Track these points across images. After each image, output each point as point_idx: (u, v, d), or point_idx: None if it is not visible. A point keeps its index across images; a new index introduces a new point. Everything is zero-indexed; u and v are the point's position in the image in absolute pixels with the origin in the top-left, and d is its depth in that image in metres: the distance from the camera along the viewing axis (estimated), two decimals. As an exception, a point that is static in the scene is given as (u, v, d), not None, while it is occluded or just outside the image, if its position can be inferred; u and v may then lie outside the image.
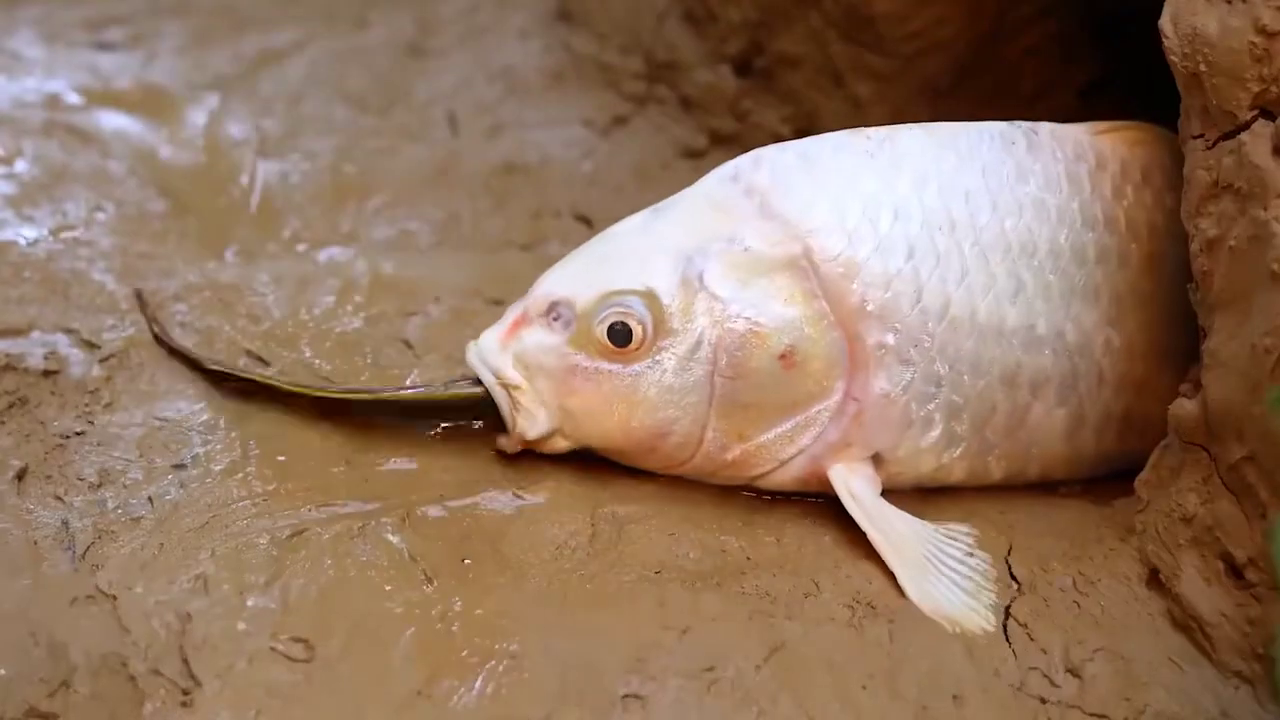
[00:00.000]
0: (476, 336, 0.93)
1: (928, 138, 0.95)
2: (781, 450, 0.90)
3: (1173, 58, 0.83)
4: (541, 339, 0.90)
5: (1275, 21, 0.79)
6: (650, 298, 0.89)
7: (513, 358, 0.91)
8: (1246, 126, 0.80)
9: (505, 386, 0.90)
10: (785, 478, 0.91)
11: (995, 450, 0.94)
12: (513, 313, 0.92)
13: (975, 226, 0.92)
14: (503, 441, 0.92)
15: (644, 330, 0.89)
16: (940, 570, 0.87)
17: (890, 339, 0.90)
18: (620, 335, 0.89)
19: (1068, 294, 0.94)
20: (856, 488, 0.90)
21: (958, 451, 0.93)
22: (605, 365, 0.89)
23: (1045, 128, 0.97)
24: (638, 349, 0.89)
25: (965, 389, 0.92)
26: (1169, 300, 0.96)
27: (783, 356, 0.89)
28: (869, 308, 0.90)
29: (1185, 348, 0.94)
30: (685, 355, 0.89)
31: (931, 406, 0.91)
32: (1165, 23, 0.83)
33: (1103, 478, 0.98)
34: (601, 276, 0.90)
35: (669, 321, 0.89)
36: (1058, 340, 0.93)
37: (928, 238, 0.91)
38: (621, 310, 0.89)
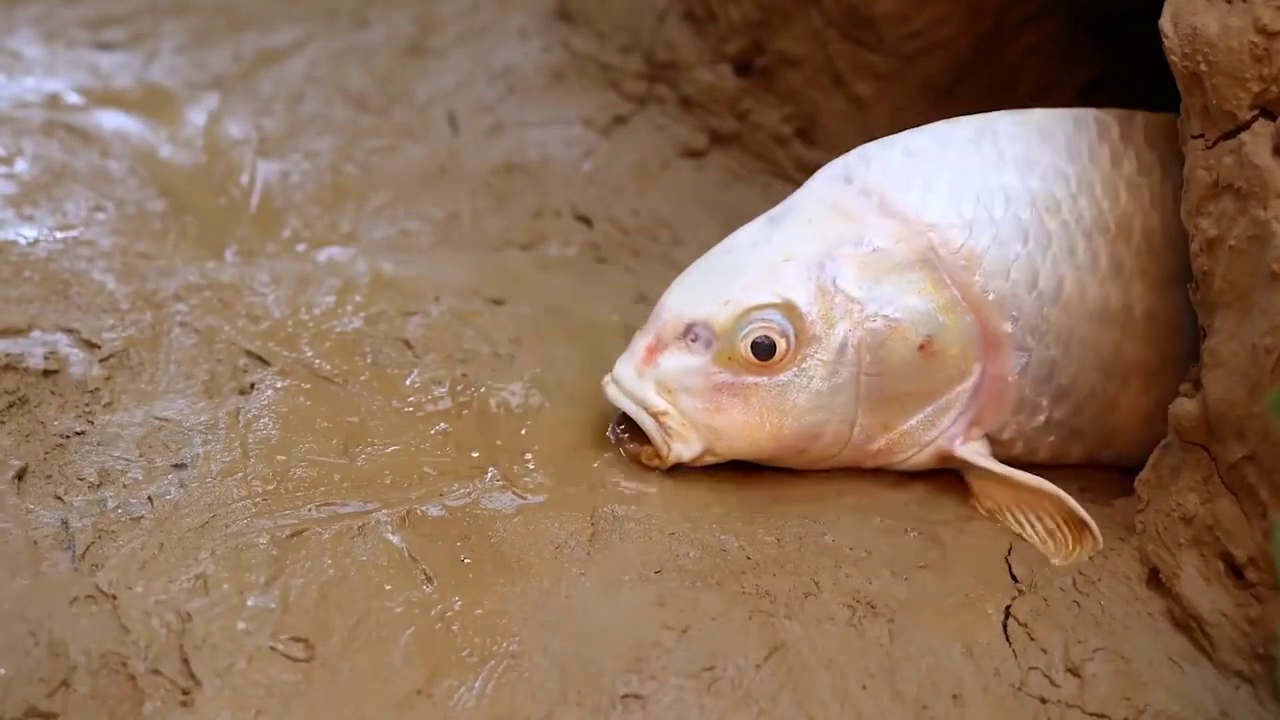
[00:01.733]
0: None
1: (1024, 123, 0.97)
2: (924, 435, 0.94)
3: (1173, 57, 0.83)
4: (683, 361, 0.91)
5: (1275, 21, 0.79)
6: (789, 308, 0.91)
7: (654, 384, 0.92)
8: (1247, 126, 0.80)
9: (653, 414, 0.91)
10: (923, 458, 0.94)
11: (1084, 435, 0.97)
12: (644, 339, 0.93)
13: (1077, 208, 0.94)
14: (653, 460, 0.93)
15: (787, 341, 0.90)
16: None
17: (1009, 326, 0.92)
18: (765, 349, 0.90)
19: (1161, 278, 0.96)
20: (989, 462, 0.93)
21: (1052, 436, 0.96)
22: (751, 379, 0.91)
23: (1140, 115, 0.99)
24: (782, 360, 0.91)
25: (1071, 373, 0.94)
26: None
27: (922, 347, 0.91)
28: (990, 297, 0.92)
29: None
30: (831, 360, 0.91)
31: (1043, 390, 0.94)
32: (1165, 22, 0.83)
33: (1099, 473, 0.99)
34: (735, 293, 0.91)
35: (810, 329, 0.91)
36: (1150, 324, 0.96)
37: (1038, 222, 0.93)
38: (763, 324, 0.90)
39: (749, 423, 0.91)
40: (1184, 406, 0.85)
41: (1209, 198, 0.83)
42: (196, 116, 1.31)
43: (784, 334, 0.90)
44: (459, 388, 0.99)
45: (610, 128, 1.33)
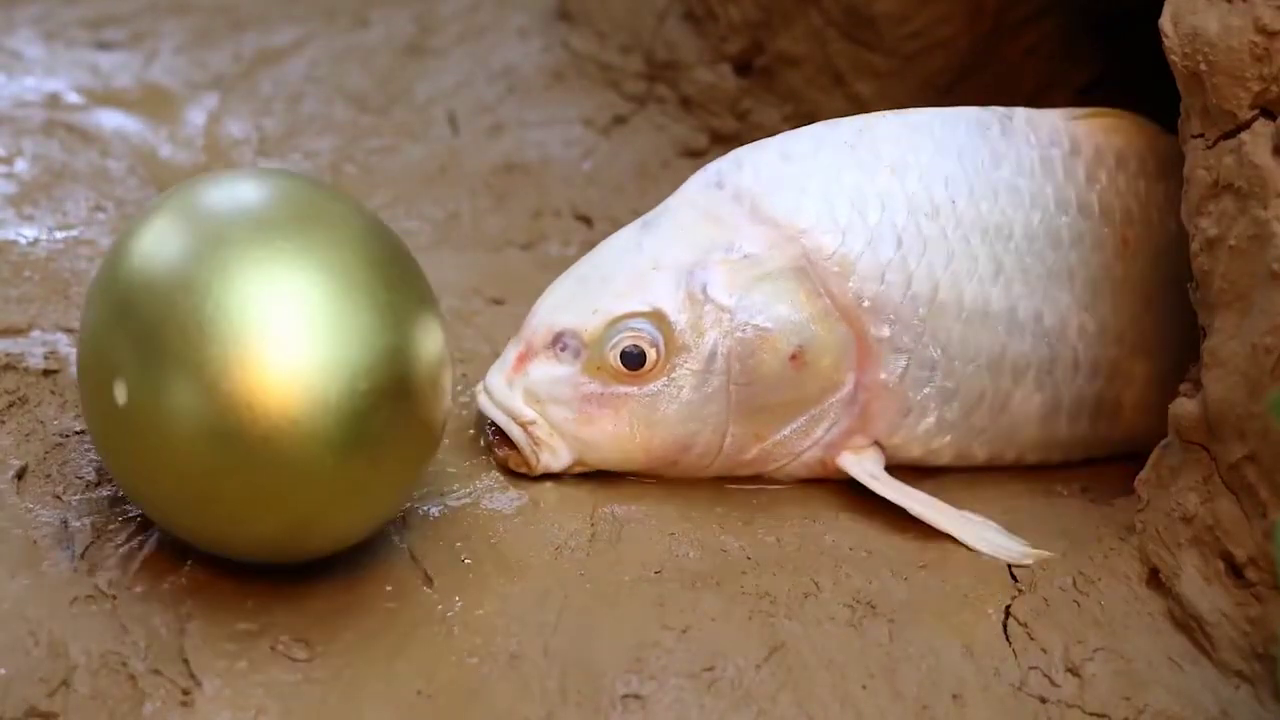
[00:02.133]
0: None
1: (903, 124, 0.96)
2: (797, 444, 0.92)
3: (1173, 57, 0.83)
4: (551, 371, 0.90)
5: (1276, 21, 0.79)
6: (658, 317, 0.89)
7: (523, 393, 0.90)
8: (1247, 126, 0.80)
9: (520, 424, 0.90)
10: (798, 468, 0.93)
11: (981, 435, 0.96)
12: (514, 349, 0.91)
13: (955, 211, 0.94)
14: (520, 468, 0.92)
15: (657, 350, 0.89)
16: (974, 522, 0.90)
17: (886, 330, 0.91)
18: (634, 358, 0.89)
19: (1043, 277, 0.95)
20: (872, 469, 0.92)
21: (948, 437, 0.95)
22: (621, 389, 0.89)
23: (1020, 113, 0.98)
24: (652, 369, 0.89)
25: (956, 374, 0.93)
26: (1143, 286, 0.98)
27: (793, 357, 0.90)
28: (865, 303, 0.91)
29: (1158, 333, 0.98)
30: (700, 369, 0.89)
31: (927, 392, 0.93)
32: (1165, 22, 0.83)
33: (1099, 473, 0.99)
34: (605, 301, 0.90)
35: (680, 338, 0.89)
36: (1036, 324, 0.95)
37: (914, 225, 0.92)
38: (632, 334, 0.89)
39: (619, 433, 0.90)
40: (1184, 406, 0.85)
41: (1209, 197, 0.83)
42: (197, 116, 1.31)
43: (654, 343, 0.89)
44: (459, 388, 0.99)
45: (610, 127, 1.32)
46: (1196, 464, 0.84)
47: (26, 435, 0.91)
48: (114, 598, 0.80)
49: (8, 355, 0.96)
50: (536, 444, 0.90)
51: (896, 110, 0.98)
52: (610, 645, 0.80)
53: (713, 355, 0.89)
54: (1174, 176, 0.98)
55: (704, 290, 0.90)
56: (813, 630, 0.82)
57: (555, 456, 0.90)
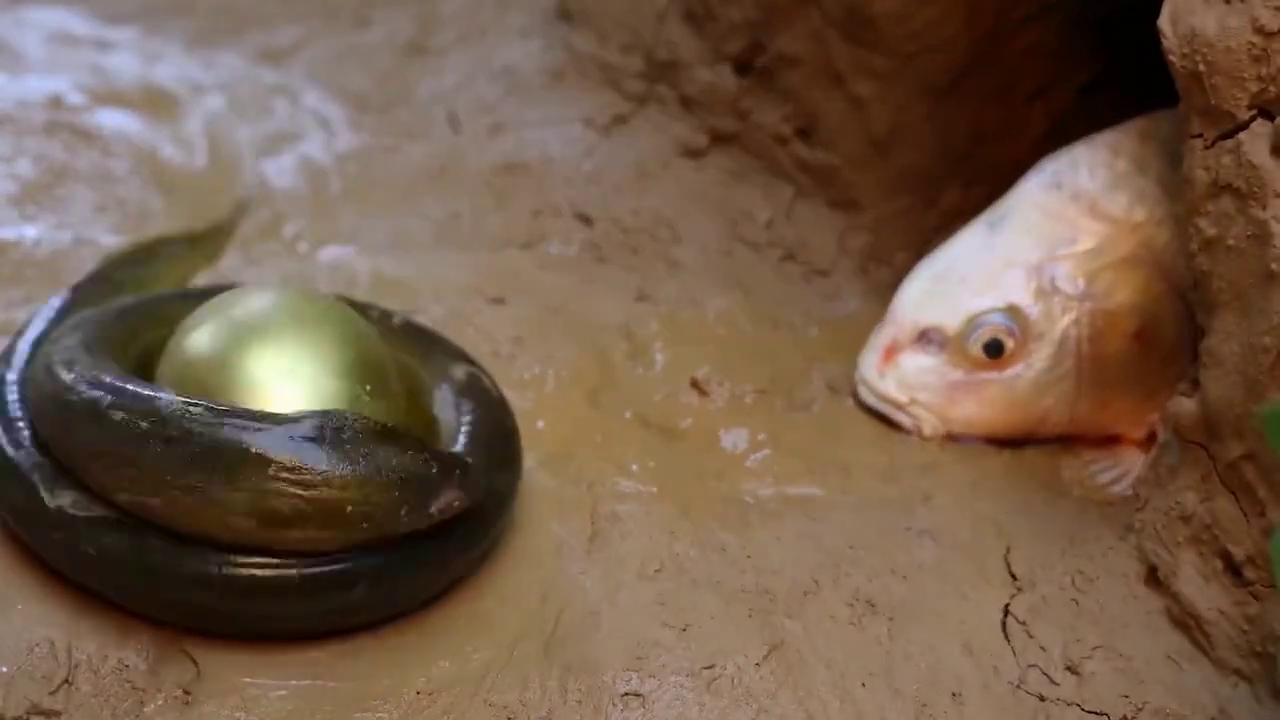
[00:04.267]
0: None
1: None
2: (1142, 412, 1.00)
3: (1171, 57, 0.83)
4: (920, 362, 1.01)
5: (1273, 21, 0.79)
6: (1014, 311, 0.99)
7: (894, 382, 1.01)
8: (1245, 126, 0.81)
9: (899, 406, 1.01)
10: (1140, 433, 1.01)
11: None
12: (881, 340, 1.02)
13: None
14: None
15: (1014, 340, 0.99)
16: None
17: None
18: (994, 349, 0.99)
19: None
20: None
21: None
22: (983, 375, 1.00)
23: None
24: (1011, 357, 0.99)
25: None
26: None
27: (1136, 335, 0.99)
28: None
29: None
30: (1053, 353, 0.99)
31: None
32: (1164, 22, 0.83)
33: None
34: (964, 299, 1.00)
35: (1034, 327, 0.99)
36: None
37: None
38: (991, 327, 0.99)
39: (983, 412, 1.00)
40: (1182, 405, 0.85)
41: (1207, 197, 0.83)
42: (198, 116, 1.31)
43: (1011, 334, 0.99)
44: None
45: (610, 127, 1.33)
46: (1195, 463, 0.84)
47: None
48: (116, 596, 0.80)
49: (10, 355, 0.96)
50: (920, 420, 1.01)
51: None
52: (610, 644, 0.80)
53: (1064, 339, 0.99)
54: None
55: (1052, 282, 0.99)
56: (812, 629, 0.83)
57: (935, 429, 1.01)
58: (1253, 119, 0.80)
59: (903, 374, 1.01)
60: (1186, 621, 0.83)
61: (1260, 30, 0.79)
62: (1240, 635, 0.81)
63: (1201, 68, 0.81)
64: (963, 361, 1.00)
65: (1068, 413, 1.00)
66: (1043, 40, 1.26)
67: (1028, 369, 1.00)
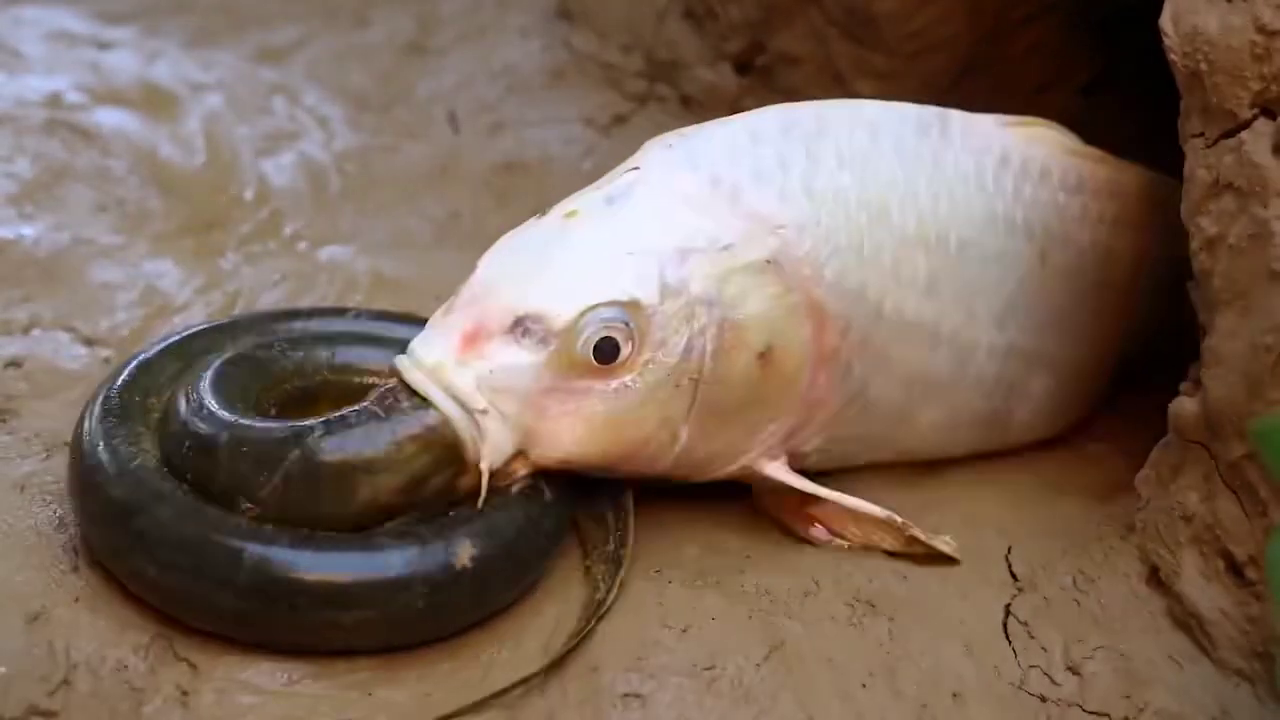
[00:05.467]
0: None
1: (854, 121, 0.91)
2: (743, 446, 0.86)
3: (1173, 56, 0.83)
4: (512, 359, 0.79)
5: (1275, 20, 0.79)
6: (635, 308, 0.80)
7: (475, 378, 0.79)
8: (1247, 125, 0.80)
9: (469, 411, 0.79)
10: (730, 472, 0.88)
11: (871, 443, 0.93)
12: (460, 323, 0.81)
13: (903, 219, 0.90)
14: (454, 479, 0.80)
15: (632, 344, 0.80)
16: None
17: (840, 339, 0.87)
18: (608, 353, 0.80)
19: (965, 292, 0.93)
20: (792, 477, 0.88)
21: (848, 448, 0.92)
22: (586, 384, 0.80)
23: (957, 116, 0.94)
24: (623, 364, 0.80)
25: (879, 388, 0.90)
26: (1050, 304, 0.97)
27: (761, 356, 0.84)
28: (828, 307, 0.86)
29: (1059, 351, 0.98)
30: (672, 365, 0.81)
31: (855, 405, 0.90)
32: (1165, 21, 0.83)
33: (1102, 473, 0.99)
34: (577, 286, 0.81)
35: (654, 332, 0.81)
36: (953, 339, 0.93)
37: (873, 232, 0.88)
38: (608, 325, 0.80)
39: (576, 430, 0.81)
40: (1184, 405, 0.85)
41: (1209, 196, 0.83)
42: (197, 115, 1.31)
43: (630, 336, 0.80)
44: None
45: (611, 127, 1.33)
46: (1196, 462, 0.84)
47: (27, 435, 0.91)
48: (115, 596, 0.80)
49: (9, 354, 0.96)
50: (482, 435, 0.79)
51: (844, 102, 0.95)
52: (610, 644, 0.80)
53: (687, 350, 0.81)
54: (1093, 191, 0.99)
55: (683, 281, 0.82)
56: (813, 629, 0.82)
57: (499, 451, 0.80)
58: (1254, 118, 0.80)
59: (489, 369, 0.79)
60: (1188, 622, 0.83)
61: (1262, 29, 0.79)
62: (1242, 636, 0.81)
63: (1203, 66, 0.81)
64: (567, 364, 0.79)
65: (670, 442, 0.83)
66: (1043, 40, 1.26)
67: (638, 380, 0.81)
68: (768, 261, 0.84)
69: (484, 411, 0.79)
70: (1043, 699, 0.81)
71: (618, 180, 0.86)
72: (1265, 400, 0.78)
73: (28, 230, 1.11)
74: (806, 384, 0.86)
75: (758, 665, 0.80)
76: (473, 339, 0.80)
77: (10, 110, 1.25)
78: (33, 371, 0.96)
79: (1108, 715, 0.80)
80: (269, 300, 1.07)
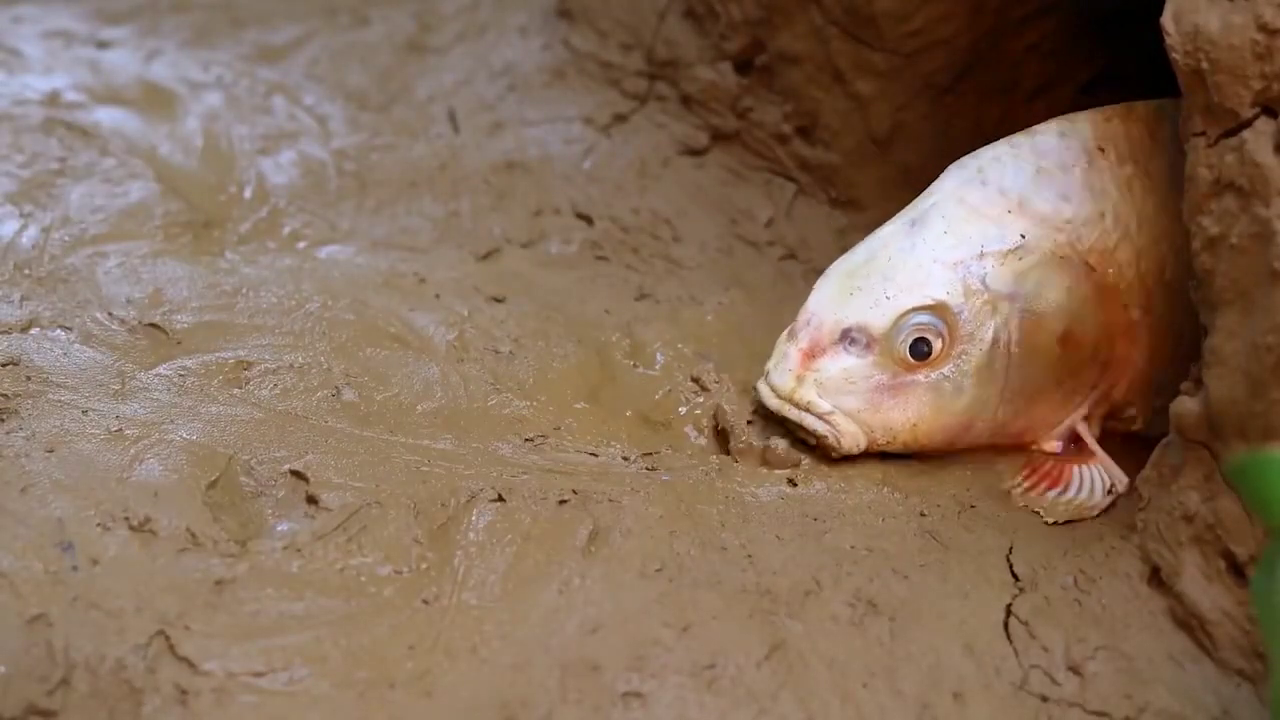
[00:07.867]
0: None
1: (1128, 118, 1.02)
2: (1055, 418, 1.00)
3: (1174, 55, 0.83)
4: (843, 364, 0.96)
5: (1277, 19, 0.79)
6: (942, 309, 0.96)
7: (815, 386, 0.96)
8: (1248, 124, 0.80)
9: (819, 415, 0.96)
10: (1054, 439, 1.00)
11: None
12: (797, 345, 0.97)
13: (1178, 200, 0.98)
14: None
15: (942, 340, 0.96)
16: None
17: (1137, 314, 0.99)
18: (921, 350, 0.96)
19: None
20: (1088, 436, 1.01)
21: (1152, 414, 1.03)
22: (910, 378, 0.96)
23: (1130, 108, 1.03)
24: (938, 357, 0.96)
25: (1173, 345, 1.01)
26: None
27: (1061, 339, 0.97)
28: (1120, 287, 0.98)
29: None
30: (982, 354, 0.96)
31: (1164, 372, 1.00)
32: (1167, 20, 0.83)
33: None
34: (890, 298, 0.96)
35: (962, 327, 0.96)
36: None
37: (1157, 218, 0.99)
38: (919, 327, 0.95)
39: (910, 418, 0.96)
40: (1185, 405, 0.85)
41: (1210, 196, 0.83)
42: (196, 114, 1.30)
43: (940, 334, 0.96)
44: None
45: (611, 126, 1.32)
46: (1198, 462, 0.84)
47: (27, 435, 0.91)
48: (114, 596, 0.80)
49: (8, 353, 0.96)
50: (839, 432, 0.96)
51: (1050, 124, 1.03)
52: (610, 643, 0.80)
53: (993, 340, 0.96)
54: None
55: (982, 280, 0.96)
56: (813, 628, 0.82)
57: (855, 442, 0.96)
58: (1256, 117, 0.80)
59: (825, 378, 0.96)
60: (1189, 622, 0.83)
61: (1264, 28, 0.79)
62: (1243, 635, 0.81)
63: (1204, 65, 0.81)
64: (890, 363, 0.96)
65: (992, 419, 0.98)
66: (1043, 39, 1.26)
67: (955, 370, 0.96)
68: (1057, 255, 0.97)
69: (831, 413, 0.96)
70: (1044, 699, 0.80)
71: (918, 204, 1.00)
72: (1266, 400, 0.78)
73: (27, 229, 1.11)
74: (1107, 357, 1.00)
75: (758, 665, 0.80)
76: (811, 355, 0.97)
77: (9, 109, 1.25)
78: (32, 371, 0.96)
79: (1109, 715, 0.80)
80: (270, 300, 1.07)
